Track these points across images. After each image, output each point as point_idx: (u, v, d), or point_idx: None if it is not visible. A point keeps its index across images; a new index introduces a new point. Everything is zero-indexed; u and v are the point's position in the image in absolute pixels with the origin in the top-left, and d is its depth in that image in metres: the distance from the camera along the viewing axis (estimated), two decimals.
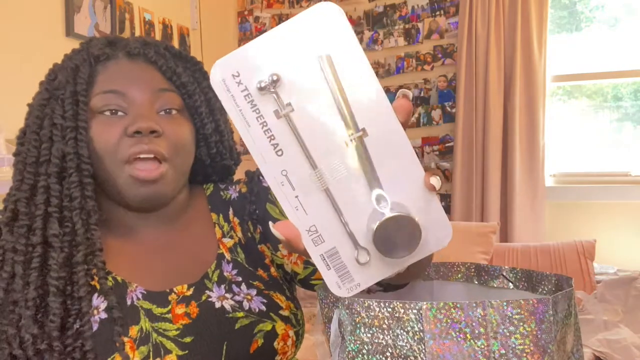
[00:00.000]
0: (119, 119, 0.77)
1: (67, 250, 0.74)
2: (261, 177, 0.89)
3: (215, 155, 0.89)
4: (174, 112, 0.80)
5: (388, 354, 0.47)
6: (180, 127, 0.80)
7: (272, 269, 0.85)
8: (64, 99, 0.77)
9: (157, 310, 0.75)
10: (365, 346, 0.48)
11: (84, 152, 0.76)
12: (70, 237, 0.74)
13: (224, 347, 0.74)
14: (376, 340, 0.47)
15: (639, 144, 3.19)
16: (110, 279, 0.77)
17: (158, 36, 3.02)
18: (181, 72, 0.82)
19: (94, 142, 0.76)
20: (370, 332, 0.48)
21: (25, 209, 0.75)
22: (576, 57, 3.29)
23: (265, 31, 3.73)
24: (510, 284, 0.62)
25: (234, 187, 0.91)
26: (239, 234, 0.86)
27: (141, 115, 0.76)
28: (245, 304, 0.78)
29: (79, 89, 0.77)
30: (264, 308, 0.78)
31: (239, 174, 0.95)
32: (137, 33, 2.85)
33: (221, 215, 0.88)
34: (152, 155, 0.76)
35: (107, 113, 0.77)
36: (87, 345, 0.69)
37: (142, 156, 0.75)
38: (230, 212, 0.88)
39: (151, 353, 0.71)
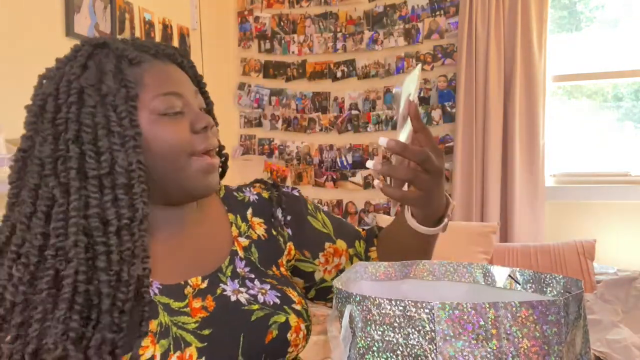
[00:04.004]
0: (182, 117, 0.79)
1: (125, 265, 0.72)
2: (283, 185, 0.97)
3: None
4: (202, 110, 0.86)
5: (399, 352, 0.46)
6: None
7: (282, 269, 0.90)
8: (116, 106, 0.74)
9: (175, 305, 0.77)
10: (375, 343, 0.48)
11: (142, 159, 0.74)
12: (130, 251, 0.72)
13: (241, 338, 0.77)
14: (387, 338, 0.47)
15: (639, 144, 3.20)
16: None
17: (158, 36, 3.02)
18: (197, 73, 0.88)
19: (157, 142, 0.76)
20: (381, 329, 0.47)
21: (99, 230, 0.71)
22: (576, 57, 3.29)
23: (264, 31, 3.69)
24: (518, 285, 0.61)
25: (248, 189, 0.95)
26: (259, 232, 0.90)
27: (198, 112, 0.81)
28: (260, 297, 0.81)
29: (131, 94, 0.75)
30: (278, 301, 0.82)
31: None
32: (137, 33, 2.84)
33: (238, 216, 0.91)
34: (217, 149, 0.84)
35: (171, 113, 0.78)
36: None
37: (210, 149, 0.81)
38: (249, 212, 0.92)
39: (172, 346, 0.72)
